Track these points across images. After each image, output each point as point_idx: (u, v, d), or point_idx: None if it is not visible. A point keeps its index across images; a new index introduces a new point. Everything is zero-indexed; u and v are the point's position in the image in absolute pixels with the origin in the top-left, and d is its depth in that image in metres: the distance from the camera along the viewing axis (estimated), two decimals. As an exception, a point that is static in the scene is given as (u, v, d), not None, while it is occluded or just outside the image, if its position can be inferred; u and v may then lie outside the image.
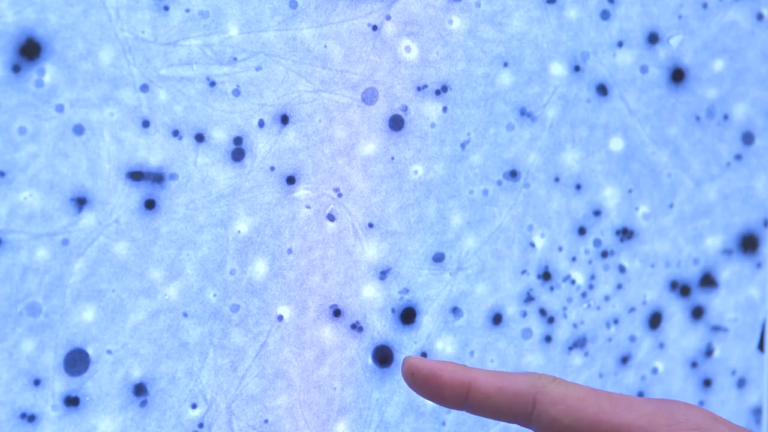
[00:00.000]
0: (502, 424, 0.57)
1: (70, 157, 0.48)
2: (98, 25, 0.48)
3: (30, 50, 0.47)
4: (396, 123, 0.54)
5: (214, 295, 0.51)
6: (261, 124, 0.51)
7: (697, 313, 0.62)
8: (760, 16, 0.61)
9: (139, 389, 0.50)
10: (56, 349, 0.48)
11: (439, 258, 0.55)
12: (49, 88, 0.47)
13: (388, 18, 0.53)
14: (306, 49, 0.51)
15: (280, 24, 0.51)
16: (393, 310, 0.55)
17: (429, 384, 0.37)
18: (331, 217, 0.53)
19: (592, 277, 0.59)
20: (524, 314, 0.57)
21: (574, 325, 0.58)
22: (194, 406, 0.51)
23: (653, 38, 0.59)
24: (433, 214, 0.55)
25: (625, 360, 0.60)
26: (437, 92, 0.54)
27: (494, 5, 0.55)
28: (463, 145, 0.55)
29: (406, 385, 0.38)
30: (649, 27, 0.59)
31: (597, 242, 0.59)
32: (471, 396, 0.36)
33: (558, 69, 0.57)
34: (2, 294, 0.47)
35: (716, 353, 0.63)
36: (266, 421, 0.52)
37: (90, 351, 0.49)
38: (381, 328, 0.54)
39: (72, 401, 0.49)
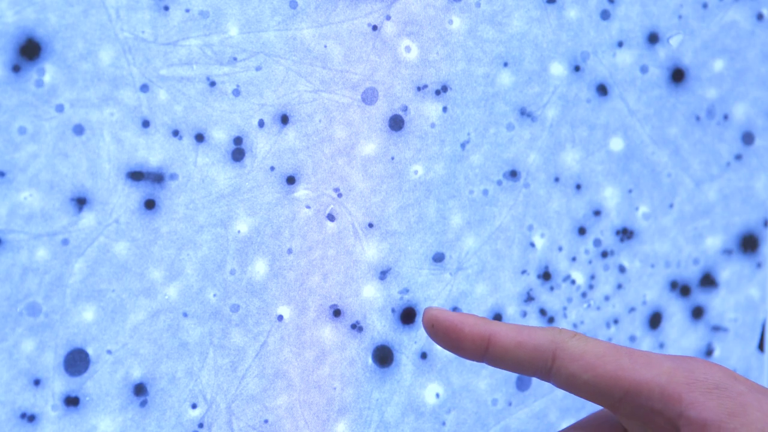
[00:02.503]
0: (503, 423, 0.57)
1: (70, 157, 0.48)
2: (98, 25, 0.48)
3: (30, 50, 0.47)
4: (396, 123, 0.54)
5: (214, 295, 0.51)
6: (261, 124, 0.51)
7: (697, 313, 0.62)
8: (760, 16, 0.61)
9: (139, 389, 0.50)
10: (56, 349, 0.48)
11: (439, 258, 0.55)
12: (49, 88, 0.47)
13: (388, 18, 0.53)
14: (306, 49, 0.51)
15: (280, 24, 0.51)
16: (393, 310, 0.55)
17: (449, 336, 0.37)
18: (331, 217, 0.53)
19: (592, 277, 0.59)
20: (524, 314, 0.57)
21: (574, 325, 0.58)
22: (194, 406, 0.51)
23: (653, 38, 0.59)
24: (433, 214, 0.55)
25: (625, 360, 0.60)
26: (437, 92, 0.54)
27: (494, 5, 0.55)
28: (463, 145, 0.55)
29: (427, 335, 0.39)
30: (649, 27, 0.59)
31: (597, 242, 0.59)
32: (491, 349, 0.36)
33: (558, 69, 0.57)
34: (2, 294, 0.47)
35: (716, 353, 0.63)
36: (266, 421, 0.52)
37: (90, 351, 0.49)
38: (381, 328, 0.54)
39: (72, 401, 0.49)
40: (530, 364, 0.36)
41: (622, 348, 0.36)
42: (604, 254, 0.59)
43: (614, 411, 0.35)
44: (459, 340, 0.37)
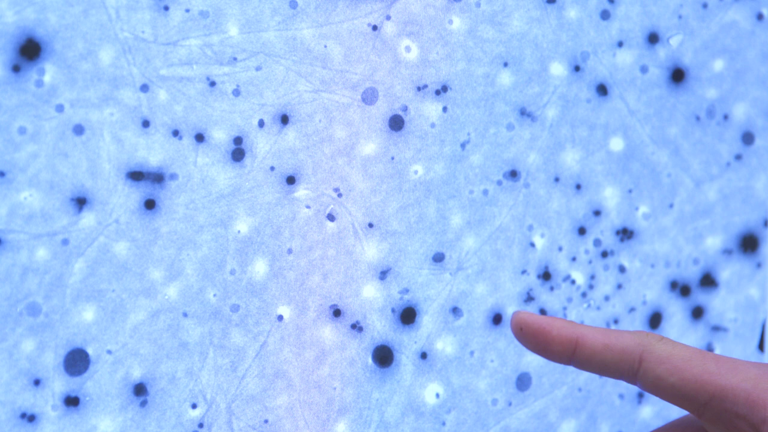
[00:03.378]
0: (503, 423, 0.57)
1: (70, 157, 0.48)
2: (98, 25, 0.48)
3: (30, 50, 0.47)
4: (396, 123, 0.54)
5: (214, 295, 0.51)
6: (261, 124, 0.51)
7: (697, 313, 0.62)
8: (760, 16, 0.61)
9: (139, 389, 0.50)
10: (56, 349, 0.48)
11: (439, 258, 0.55)
12: (49, 88, 0.47)
13: (388, 18, 0.53)
14: (306, 49, 0.51)
15: (280, 24, 0.51)
16: (393, 310, 0.55)
17: (537, 339, 0.37)
18: (331, 217, 0.53)
19: (592, 277, 0.59)
20: (524, 314, 0.57)
21: (574, 325, 0.58)
22: (194, 406, 0.51)
23: (653, 38, 0.59)
24: (433, 214, 0.55)
25: (625, 360, 0.60)
26: (437, 92, 0.54)
27: (494, 5, 0.55)
28: (463, 145, 0.55)
29: (515, 338, 0.39)
30: (649, 27, 0.59)
31: (597, 242, 0.59)
32: (578, 351, 0.37)
33: (558, 69, 0.57)
34: (2, 294, 0.47)
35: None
36: (266, 421, 0.52)
37: (90, 351, 0.49)
38: (381, 328, 0.54)
39: (72, 401, 0.49)
40: (617, 367, 0.36)
41: (709, 353, 0.36)
42: (604, 254, 0.59)
43: (699, 415, 0.36)
44: (547, 342, 0.37)
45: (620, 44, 0.58)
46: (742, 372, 0.35)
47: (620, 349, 0.36)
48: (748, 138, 0.62)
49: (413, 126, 0.54)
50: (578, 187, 0.58)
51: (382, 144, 0.53)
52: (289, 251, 0.52)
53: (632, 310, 0.60)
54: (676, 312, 0.61)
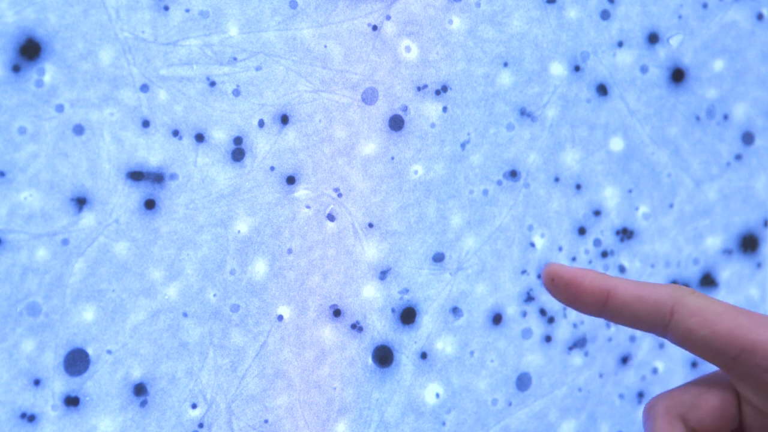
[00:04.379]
0: (503, 423, 0.57)
1: (70, 157, 0.48)
2: (98, 25, 0.48)
3: (30, 50, 0.47)
4: (396, 123, 0.54)
5: (214, 295, 0.51)
6: (261, 124, 0.51)
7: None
8: (760, 16, 0.61)
9: (139, 389, 0.50)
10: (56, 349, 0.48)
11: (439, 258, 0.55)
12: (49, 88, 0.47)
13: (388, 18, 0.53)
14: (306, 49, 0.51)
15: (280, 24, 0.51)
16: (393, 310, 0.55)
17: (569, 290, 0.37)
18: (331, 217, 0.53)
19: (592, 277, 0.59)
20: (524, 314, 0.57)
21: (574, 325, 0.58)
22: (194, 406, 0.51)
23: (653, 38, 0.59)
24: (433, 214, 0.55)
25: (625, 360, 0.60)
26: (437, 92, 0.54)
27: (494, 5, 0.55)
28: (463, 145, 0.55)
29: (546, 290, 0.39)
30: (649, 27, 0.59)
31: (597, 242, 0.59)
32: (610, 303, 0.37)
33: (558, 69, 0.57)
34: (2, 294, 0.47)
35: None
36: (266, 421, 0.52)
37: (90, 351, 0.49)
38: (381, 328, 0.54)
39: (72, 401, 0.49)
40: (648, 319, 0.36)
41: (741, 309, 0.36)
42: (604, 254, 0.59)
43: (728, 370, 0.36)
44: (579, 293, 0.37)
45: (620, 44, 0.58)
46: None
47: (652, 300, 0.36)
48: (748, 138, 0.62)
49: (413, 126, 0.54)
50: (578, 187, 0.58)
51: (382, 144, 0.53)
52: (289, 251, 0.52)
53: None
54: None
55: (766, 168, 0.63)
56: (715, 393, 0.37)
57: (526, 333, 0.57)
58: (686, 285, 0.61)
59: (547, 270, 0.38)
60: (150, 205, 0.49)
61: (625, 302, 0.37)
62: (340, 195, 0.53)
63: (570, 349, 0.59)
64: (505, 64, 0.56)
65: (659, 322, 0.36)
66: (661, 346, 0.61)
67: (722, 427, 0.37)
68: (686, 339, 0.36)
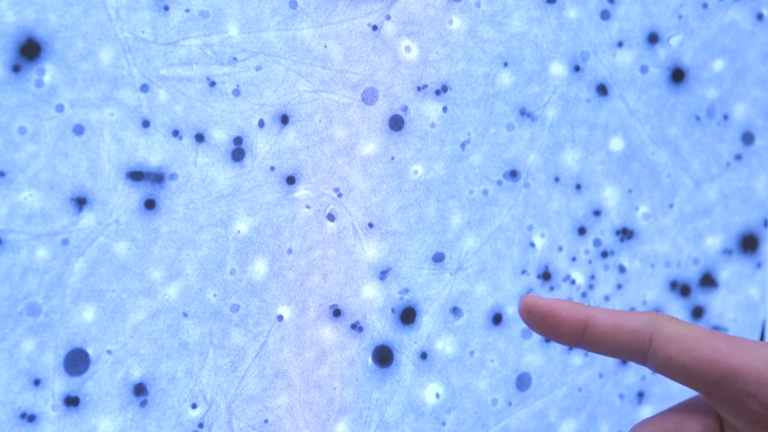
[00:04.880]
0: (503, 423, 0.57)
1: (70, 157, 0.48)
2: (98, 25, 0.48)
3: (30, 50, 0.47)
4: (396, 123, 0.54)
5: (214, 295, 0.51)
6: (261, 124, 0.51)
7: (697, 313, 0.62)
8: (760, 16, 0.61)
9: (139, 389, 0.50)
10: (56, 349, 0.48)
11: (439, 258, 0.55)
12: (49, 88, 0.47)
13: (388, 18, 0.53)
14: (306, 49, 0.51)
15: (280, 24, 0.51)
16: (393, 310, 0.55)
17: (546, 321, 0.37)
18: (331, 217, 0.53)
19: (592, 277, 0.59)
20: (524, 314, 0.57)
21: (574, 325, 0.58)
22: (194, 406, 0.51)
23: (653, 38, 0.59)
24: (433, 214, 0.55)
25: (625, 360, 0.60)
26: (437, 92, 0.54)
27: (494, 5, 0.55)
28: (463, 145, 0.55)
29: (524, 322, 0.39)
30: (649, 27, 0.58)
31: (597, 242, 0.59)
32: (588, 333, 0.37)
33: (558, 69, 0.57)
34: (2, 294, 0.47)
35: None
36: (266, 421, 0.52)
37: (90, 351, 0.49)
38: (381, 328, 0.54)
39: (72, 401, 0.49)
40: (627, 347, 0.36)
41: (719, 333, 0.36)
42: (604, 254, 0.59)
43: (709, 396, 0.36)
44: (557, 325, 0.37)
45: (620, 44, 0.58)
46: (753, 351, 0.35)
47: (630, 329, 0.36)
48: (748, 138, 0.62)
49: (413, 126, 0.54)
50: (578, 187, 0.58)
51: (382, 144, 0.53)
52: (289, 251, 0.52)
53: (632, 310, 0.60)
54: (676, 312, 0.61)
55: (766, 168, 0.63)
56: (697, 419, 0.37)
57: (526, 333, 0.57)
58: (686, 285, 0.61)
59: (524, 302, 0.38)
60: (150, 205, 0.49)
61: (603, 332, 0.37)
62: (340, 195, 0.53)
63: (570, 349, 0.59)
64: (505, 64, 0.56)
65: (638, 351, 0.36)
66: (661, 346, 0.61)
67: None
68: (666, 366, 0.36)
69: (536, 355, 0.58)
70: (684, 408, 0.37)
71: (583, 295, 0.58)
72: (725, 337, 0.36)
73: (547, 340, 0.58)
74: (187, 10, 0.49)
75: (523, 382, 0.58)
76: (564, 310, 0.37)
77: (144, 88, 0.49)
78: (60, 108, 0.47)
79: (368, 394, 0.54)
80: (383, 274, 0.54)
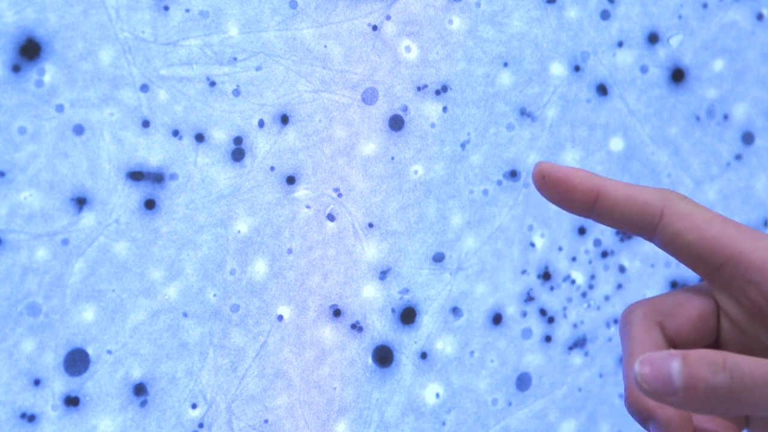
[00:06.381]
0: (503, 423, 0.57)
1: (70, 157, 0.48)
2: (98, 25, 0.48)
3: (30, 50, 0.47)
4: (396, 123, 0.54)
5: (214, 295, 0.51)
6: (261, 124, 0.51)
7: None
8: (760, 16, 0.61)
9: (139, 389, 0.50)
10: (56, 349, 0.48)
11: (439, 258, 0.55)
12: (49, 88, 0.47)
13: (388, 18, 0.53)
14: (306, 49, 0.51)
15: (280, 24, 0.51)
16: (393, 310, 0.55)
17: (559, 188, 0.37)
18: (331, 217, 0.53)
19: (592, 277, 0.59)
20: (524, 314, 0.57)
21: (574, 325, 0.58)
22: (194, 406, 0.51)
23: (653, 38, 0.59)
24: (433, 214, 0.55)
25: (625, 360, 0.60)
26: (437, 92, 0.54)
27: (494, 5, 0.55)
28: (463, 145, 0.55)
29: (536, 188, 0.38)
30: (649, 27, 0.59)
31: (597, 242, 0.59)
32: (600, 202, 0.36)
33: (558, 69, 0.57)
34: (2, 294, 0.47)
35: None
36: (266, 421, 0.52)
37: (90, 351, 0.49)
38: (381, 328, 0.54)
39: (72, 401, 0.49)
40: (637, 219, 0.36)
41: (730, 220, 0.36)
42: (604, 254, 0.59)
43: (710, 279, 0.36)
44: (569, 191, 0.37)
45: (620, 44, 0.58)
46: (761, 240, 0.34)
47: (642, 201, 0.36)
48: (748, 138, 0.62)
49: (413, 126, 0.54)
50: (578, 187, 0.58)
51: (382, 144, 0.53)
52: (289, 251, 0.52)
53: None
54: (676, 312, 0.61)
55: (766, 168, 0.63)
56: (694, 304, 0.37)
57: (526, 333, 0.57)
58: (686, 285, 0.61)
59: (538, 168, 0.37)
60: (150, 205, 0.49)
61: (615, 202, 0.36)
62: (340, 195, 0.53)
63: (570, 349, 0.59)
64: (505, 64, 0.56)
65: (648, 224, 0.36)
66: (661, 346, 0.61)
67: (699, 339, 0.36)
68: (673, 242, 0.35)
69: (536, 355, 0.58)
70: (683, 292, 0.37)
71: (583, 295, 0.58)
72: (736, 223, 0.35)
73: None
74: (187, 10, 0.49)
75: (523, 382, 0.58)
76: (577, 177, 0.37)
77: (144, 88, 0.49)
78: (60, 108, 0.47)
79: (368, 394, 0.54)
80: (383, 274, 0.54)
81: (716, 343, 0.37)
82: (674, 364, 0.31)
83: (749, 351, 0.36)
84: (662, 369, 0.32)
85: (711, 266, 0.35)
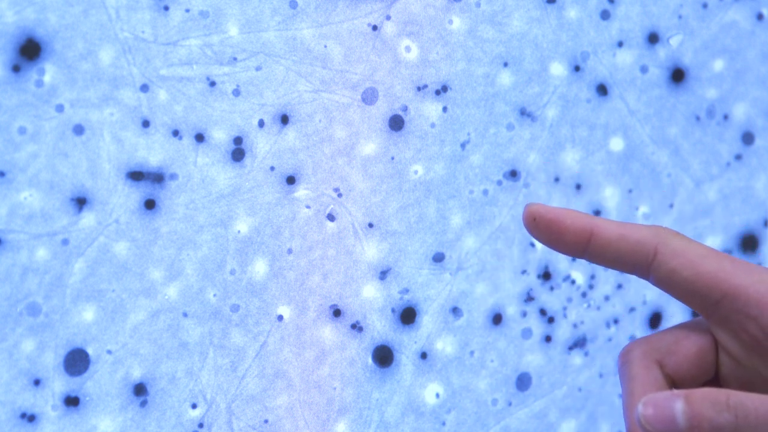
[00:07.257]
0: (503, 423, 0.57)
1: (70, 157, 0.48)
2: (98, 25, 0.48)
3: (30, 50, 0.47)
4: (396, 123, 0.54)
5: (214, 295, 0.51)
6: (261, 124, 0.51)
7: (697, 313, 0.62)
8: (760, 16, 0.61)
9: (139, 389, 0.50)
10: (56, 349, 0.48)
11: (439, 258, 0.55)
12: (49, 88, 0.47)
13: (388, 18, 0.53)
14: (306, 49, 0.51)
15: (280, 24, 0.51)
16: (393, 310, 0.55)
17: (551, 229, 0.36)
18: (331, 217, 0.53)
19: (592, 277, 0.59)
20: (524, 314, 0.57)
21: (574, 325, 0.58)
22: (194, 406, 0.51)
23: (653, 38, 0.59)
24: (433, 214, 0.55)
25: (625, 360, 0.60)
26: (437, 92, 0.54)
27: (494, 5, 0.55)
28: (463, 145, 0.55)
29: (527, 231, 0.38)
30: (649, 27, 0.59)
31: (597, 242, 0.59)
32: (593, 242, 0.36)
33: (558, 69, 0.57)
34: (2, 294, 0.47)
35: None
36: (266, 421, 0.52)
37: (90, 351, 0.49)
38: (381, 328, 0.54)
39: (72, 401, 0.49)
40: (631, 258, 0.36)
41: (724, 254, 0.35)
42: (604, 254, 0.59)
43: (708, 315, 0.35)
44: (561, 233, 0.36)
45: (620, 44, 0.58)
46: (757, 274, 0.34)
47: (635, 240, 0.36)
48: (748, 138, 0.62)
49: (413, 126, 0.54)
50: (578, 187, 0.58)
51: (382, 144, 0.53)
52: (289, 251, 0.52)
53: (632, 310, 0.60)
54: (676, 312, 0.61)
55: (766, 168, 0.63)
56: (693, 340, 0.36)
57: (526, 333, 0.57)
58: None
59: (528, 210, 0.37)
60: (150, 205, 0.49)
61: (608, 241, 0.36)
62: (340, 195, 0.53)
63: (570, 349, 0.59)
64: (505, 64, 0.56)
65: (642, 263, 0.36)
66: (661, 346, 0.61)
67: (698, 375, 0.36)
68: (669, 280, 0.35)
69: (536, 355, 0.58)
70: (681, 329, 0.37)
71: (583, 295, 0.58)
72: (730, 257, 0.35)
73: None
74: (187, 10, 0.49)
75: (523, 382, 0.58)
76: (569, 218, 0.36)
77: (144, 88, 0.49)
78: (60, 108, 0.47)
79: (368, 394, 0.54)
80: (383, 274, 0.54)
81: (716, 378, 0.36)
82: (677, 404, 0.31)
83: (750, 385, 0.35)
84: (665, 410, 0.31)
85: (708, 302, 0.35)
